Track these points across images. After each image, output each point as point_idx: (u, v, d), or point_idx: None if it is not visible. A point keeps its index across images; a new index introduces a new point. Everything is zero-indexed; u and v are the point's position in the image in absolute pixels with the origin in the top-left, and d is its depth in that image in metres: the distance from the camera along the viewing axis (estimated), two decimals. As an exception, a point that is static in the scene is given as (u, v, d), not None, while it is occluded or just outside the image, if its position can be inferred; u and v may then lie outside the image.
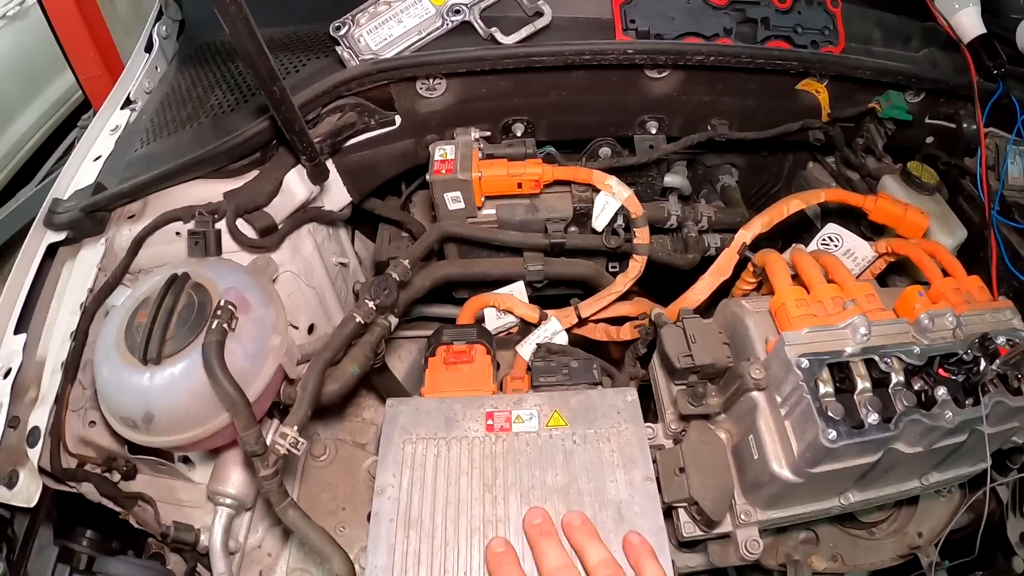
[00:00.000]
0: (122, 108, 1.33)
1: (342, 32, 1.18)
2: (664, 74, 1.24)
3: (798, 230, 1.57)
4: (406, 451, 0.99)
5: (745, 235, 1.17)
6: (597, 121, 1.28)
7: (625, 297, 1.30)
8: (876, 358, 0.97)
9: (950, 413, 0.96)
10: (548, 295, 1.38)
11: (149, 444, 0.98)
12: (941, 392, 0.97)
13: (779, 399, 0.97)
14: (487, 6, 1.18)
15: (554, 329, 1.21)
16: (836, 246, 1.28)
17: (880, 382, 0.97)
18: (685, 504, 1.03)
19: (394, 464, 0.97)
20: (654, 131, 1.29)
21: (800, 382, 0.92)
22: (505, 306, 1.21)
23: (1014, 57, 1.54)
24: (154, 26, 1.45)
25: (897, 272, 1.43)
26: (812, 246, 1.27)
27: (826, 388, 0.93)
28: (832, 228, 1.25)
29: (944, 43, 1.45)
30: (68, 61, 3.38)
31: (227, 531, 1.11)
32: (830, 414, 0.91)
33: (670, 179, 1.39)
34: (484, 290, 1.26)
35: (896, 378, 0.97)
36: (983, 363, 0.98)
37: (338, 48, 1.14)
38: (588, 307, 1.21)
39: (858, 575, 1.48)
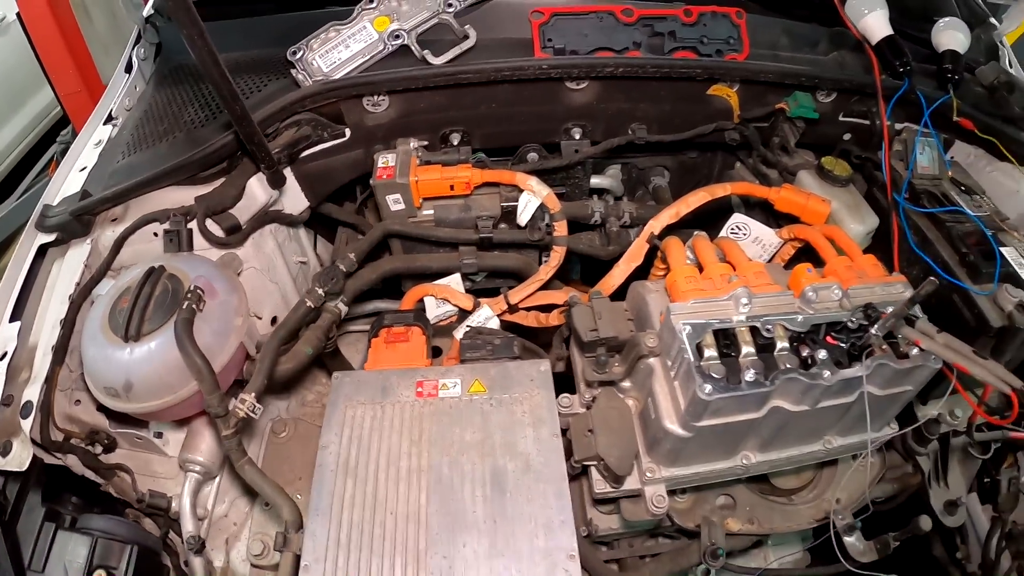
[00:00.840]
0: (104, 124, 1.59)
1: (297, 56, 1.45)
2: (583, 85, 1.51)
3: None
4: (347, 414, 1.24)
5: (654, 225, 1.42)
6: (526, 129, 1.54)
7: (554, 286, 1.56)
8: (759, 325, 1.17)
9: (828, 372, 1.15)
10: (490, 288, 1.64)
11: (128, 411, 1.23)
12: (822, 355, 1.17)
13: (669, 363, 1.19)
14: (423, 31, 1.46)
15: (486, 315, 1.47)
16: (744, 234, 1.53)
17: (765, 347, 1.18)
18: (595, 462, 1.27)
19: (336, 425, 1.23)
20: (578, 136, 1.56)
21: (683, 346, 1.13)
22: (442, 295, 1.47)
23: (929, 56, 1.82)
24: (133, 49, 1.72)
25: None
26: (723, 234, 1.51)
27: (710, 352, 1.13)
28: (738, 218, 1.50)
29: (854, 45, 1.71)
30: (48, 78, 3.65)
31: (195, 495, 1.36)
32: (711, 373, 1.11)
33: (597, 180, 1.65)
34: (426, 282, 1.52)
35: (780, 344, 1.17)
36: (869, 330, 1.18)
37: (292, 71, 1.42)
38: (516, 294, 1.47)
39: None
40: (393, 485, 1.14)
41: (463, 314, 1.51)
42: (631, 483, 1.27)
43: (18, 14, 3.20)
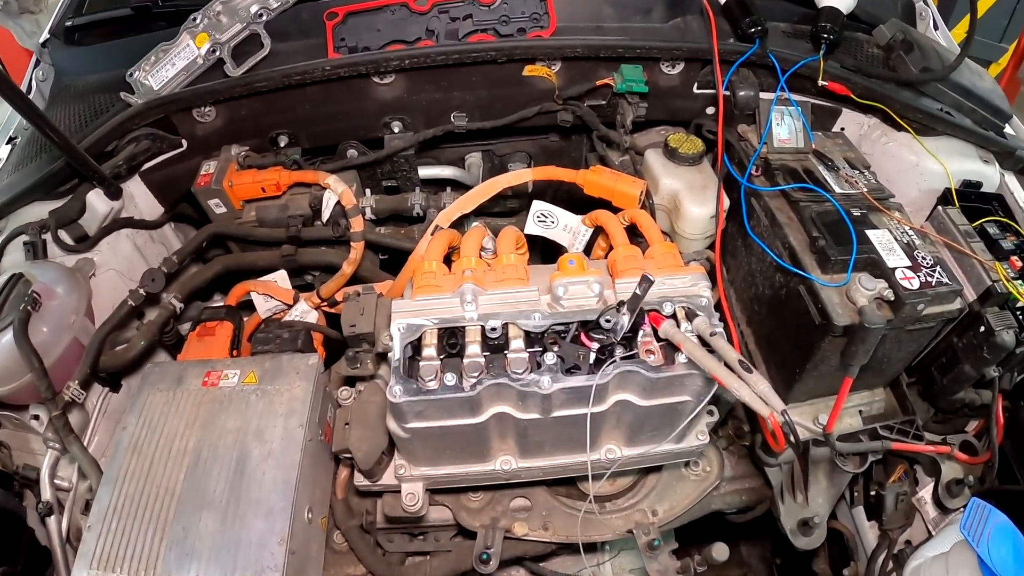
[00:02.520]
0: (6, 144, 2.13)
1: (133, 76, 1.85)
2: (389, 80, 1.74)
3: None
4: (148, 399, 1.62)
5: (441, 217, 1.65)
6: (345, 127, 1.80)
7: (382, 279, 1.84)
8: (484, 325, 1.25)
9: (547, 379, 1.19)
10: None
11: None
12: (548, 359, 1.21)
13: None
14: (237, 43, 1.79)
15: (303, 309, 1.80)
16: (553, 222, 1.68)
17: (499, 347, 1.26)
18: (347, 454, 1.53)
19: (138, 409, 1.61)
20: (398, 130, 1.81)
21: (392, 343, 1.26)
22: (264, 291, 1.82)
23: (810, 16, 1.82)
24: (33, 72, 2.20)
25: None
26: (528, 224, 1.69)
27: (429, 351, 1.24)
28: (539, 205, 1.64)
29: (701, 10, 1.78)
30: None
31: (54, 468, 1.83)
32: (422, 375, 1.19)
33: (432, 172, 1.89)
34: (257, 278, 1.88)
35: (514, 344, 1.25)
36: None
37: (123, 93, 1.83)
38: (326, 289, 1.77)
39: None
40: (163, 463, 1.50)
41: (291, 308, 1.85)
42: (388, 479, 1.51)
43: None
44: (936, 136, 1.81)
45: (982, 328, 1.51)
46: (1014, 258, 1.60)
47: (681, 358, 1.24)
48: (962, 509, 1.64)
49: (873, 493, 1.81)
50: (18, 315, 1.60)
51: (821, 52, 1.76)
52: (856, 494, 1.88)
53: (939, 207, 1.70)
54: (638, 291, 1.17)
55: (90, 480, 1.60)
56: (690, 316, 1.29)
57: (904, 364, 1.66)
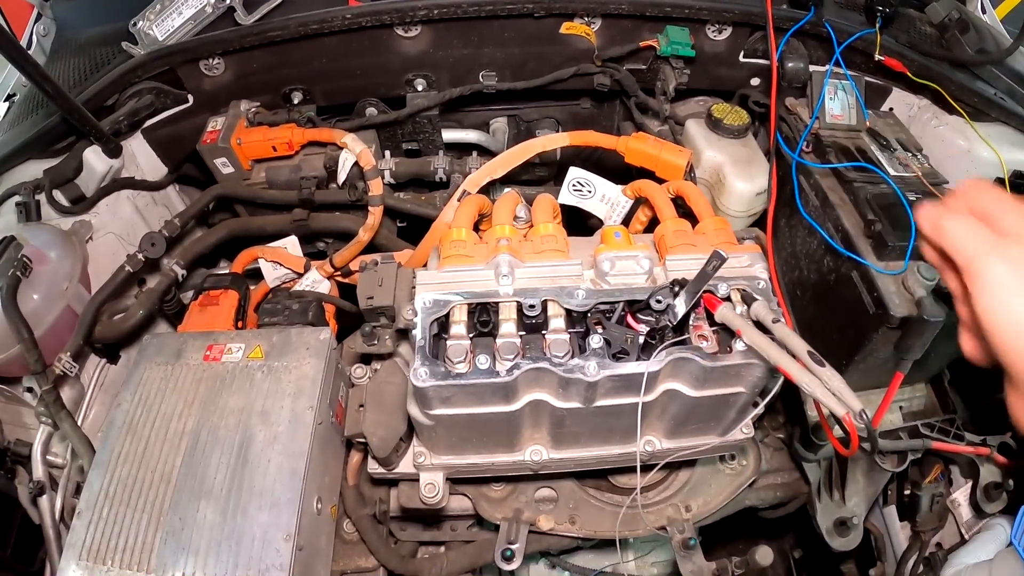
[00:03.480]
0: (4, 101, 2.00)
1: (137, 26, 1.71)
2: (414, 32, 1.59)
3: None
4: (144, 374, 1.49)
5: (468, 183, 1.50)
6: (364, 83, 1.66)
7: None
8: (521, 300, 1.08)
9: (593, 365, 1.03)
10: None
11: None
12: (595, 341, 1.06)
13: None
14: (250, -10, 1.65)
15: (314, 278, 1.65)
16: (589, 191, 1.53)
17: (536, 327, 1.10)
18: (361, 439, 1.39)
19: (134, 384, 1.48)
20: (421, 88, 1.66)
21: (416, 319, 1.08)
22: (272, 258, 1.68)
23: None
24: (33, 26, 2.08)
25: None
26: (563, 192, 1.53)
27: (458, 328, 1.07)
28: (576, 172, 1.48)
29: (758, -31, 1.63)
30: None
31: (47, 444, 1.71)
32: (449, 356, 1.03)
33: (456, 135, 1.74)
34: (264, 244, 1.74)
35: (554, 324, 1.09)
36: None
37: (124, 43, 1.68)
38: (340, 257, 1.63)
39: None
40: (159, 446, 1.36)
41: (301, 277, 1.71)
42: (405, 466, 1.37)
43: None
44: (989, 122, 1.71)
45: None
46: None
47: (739, 345, 1.08)
48: (999, 514, 1.63)
49: (908, 493, 1.76)
50: (7, 281, 1.47)
51: (877, 25, 1.64)
52: (889, 493, 1.82)
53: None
54: (708, 269, 1.02)
55: (82, 460, 1.47)
56: (747, 300, 1.12)
57: (948, 360, 1.57)
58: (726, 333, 1.12)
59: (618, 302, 1.12)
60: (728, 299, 1.12)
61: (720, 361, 1.08)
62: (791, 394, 1.59)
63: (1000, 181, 1.63)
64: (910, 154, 1.59)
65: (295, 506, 1.25)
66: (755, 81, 1.72)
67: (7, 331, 1.49)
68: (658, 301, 1.08)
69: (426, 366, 1.04)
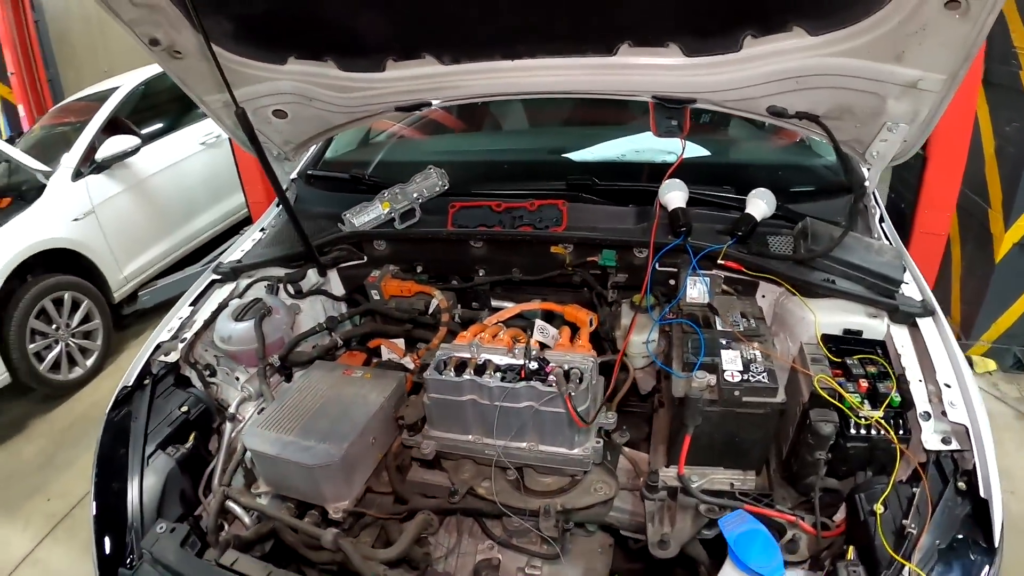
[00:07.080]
0: (259, 232, 3.76)
1: (345, 216, 3.45)
2: (479, 245, 3.23)
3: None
4: (312, 372, 3.05)
5: (493, 318, 3.16)
6: (452, 267, 3.36)
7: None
8: (479, 359, 2.37)
9: (491, 382, 2.24)
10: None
11: (226, 351, 3.16)
12: (493, 372, 2.30)
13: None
14: (403, 211, 3.38)
15: (407, 362, 3.31)
16: (544, 332, 3.14)
17: (482, 370, 2.31)
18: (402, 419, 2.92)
19: (307, 375, 3.06)
20: (482, 274, 3.33)
21: (432, 363, 2.59)
22: (388, 346, 3.35)
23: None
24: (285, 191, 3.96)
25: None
26: (536, 328, 3.11)
27: (450, 368, 2.37)
28: (539, 323, 3.07)
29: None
30: (242, 186, 6.07)
31: (239, 405, 3.15)
32: (447, 369, 2.40)
33: (494, 302, 3.49)
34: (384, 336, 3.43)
35: (490, 369, 2.30)
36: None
37: (339, 224, 3.42)
38: (421, 354, 3.31)
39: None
40: (310, 396, 2.92)
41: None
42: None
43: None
44: (824, 298, 2.44)
45: (808, 421, 2.00)
46: (863, 381, 2.09)
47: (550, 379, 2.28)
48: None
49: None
50: (259, 315, 3.11)
51: (729, 242, 2.58)
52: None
53: (802, 343, 2.32)
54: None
55: (266, 404, 3.00)
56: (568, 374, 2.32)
57: (761, 449, 2.17)
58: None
59: (516, 362, 2.47)
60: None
61: (539, 388, 2.25)
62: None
63: (825, 336, 2.30)
64: (744, 319, 2.33)
65: (362, 425, 2.64)
66: (671, 281, 2.80)
67: (252, 338, 3.09)
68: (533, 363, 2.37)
69: (436, 371, 2.51)
